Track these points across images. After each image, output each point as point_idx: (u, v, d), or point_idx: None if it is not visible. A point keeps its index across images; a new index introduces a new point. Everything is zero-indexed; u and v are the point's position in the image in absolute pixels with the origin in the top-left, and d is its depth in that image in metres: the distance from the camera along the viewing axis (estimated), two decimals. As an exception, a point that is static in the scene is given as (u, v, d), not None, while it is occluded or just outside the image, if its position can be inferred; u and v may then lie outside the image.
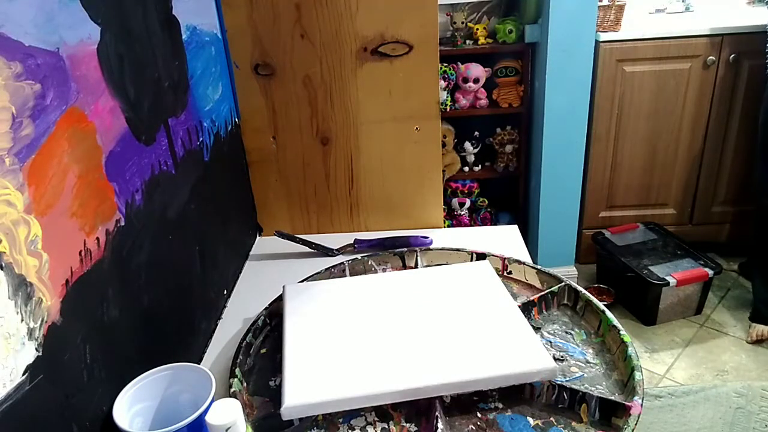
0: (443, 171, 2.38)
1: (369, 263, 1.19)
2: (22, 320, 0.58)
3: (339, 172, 1.33)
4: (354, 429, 0.81)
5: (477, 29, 2.41)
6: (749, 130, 2.38)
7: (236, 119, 1.27)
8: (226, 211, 1.20)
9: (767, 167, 2.08)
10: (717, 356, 2.13)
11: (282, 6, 1.17)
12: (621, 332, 0.89)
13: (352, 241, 1.29)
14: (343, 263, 1.17)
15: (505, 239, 1.29)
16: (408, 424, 0.81)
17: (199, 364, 0.90)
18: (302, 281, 1.12)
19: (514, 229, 1.33)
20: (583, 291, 1.00)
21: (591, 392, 0.80)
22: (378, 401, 0.81)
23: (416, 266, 1.18)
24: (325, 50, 1.21)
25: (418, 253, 1.20)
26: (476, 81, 2.42)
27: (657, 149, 2.44)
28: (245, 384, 0.90)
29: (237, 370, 0.90)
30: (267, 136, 1.30)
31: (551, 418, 0.80)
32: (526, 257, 1.17)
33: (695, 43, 2.26)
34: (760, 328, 2.17)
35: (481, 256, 1.15)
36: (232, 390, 0.86)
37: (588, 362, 0.90)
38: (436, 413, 0.79)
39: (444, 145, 2.51)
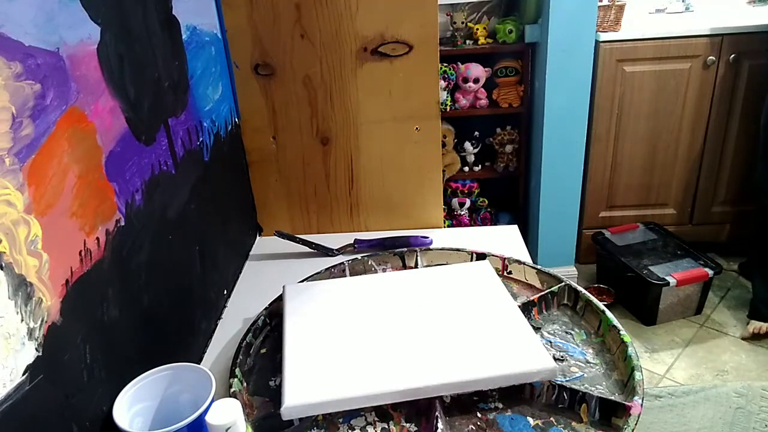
0: (443, 171, 2.38)
1: (369, 263, 1.19)
2: (22, 320, 0.58)
3: (339, 172, 1.33)
4: (354, 429, 0.81)
5: (477, 29, 2.41)
6: (749, 130, 2.38)
7: (236, 119, 1.27)
8: (226, 211, 1.20)
9: None
10: (717, 356, 2.13)
11: (282, 6, 1.17)
12: (621, 332, 0.89)
13: (352, 241, 1.29)
14: (343, 263, 1.17)
15: (505, 239, 1.29)
16: (408, 424, 0.82)
17: (199, 364, 0.90)
18: (302, 281, 1.12)
19: (514, 229, 1.33)
20: (583, 291, 1.00)
21: (591, 392, 0.80)
22: (378, 401, 0.81)
23: (416, 266, 1.18)
24: (325, 50, 1.21)
25: (418, 253, 1.20)
26: (476, 81, 2.42)
27: (657, 149, 2.44)
28: (245, 384, 0.90)
29: (237, 370, 0.90)
30: (267, 136, 1.30)
31: (551, 418, 0.80)
32: (526, 257, 1.17)
33: (695, 43, 2.26)
34: (758, 324, 2.17)
35: (481, 256, 1.15)
36: (232, 390, 0.86)
37: (588, 362, 0.90)
38: (436, 413, 0.79)
39: (444, 145, 2.51)
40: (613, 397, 0.80)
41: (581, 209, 2.47)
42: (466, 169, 2.64)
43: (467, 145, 2.59)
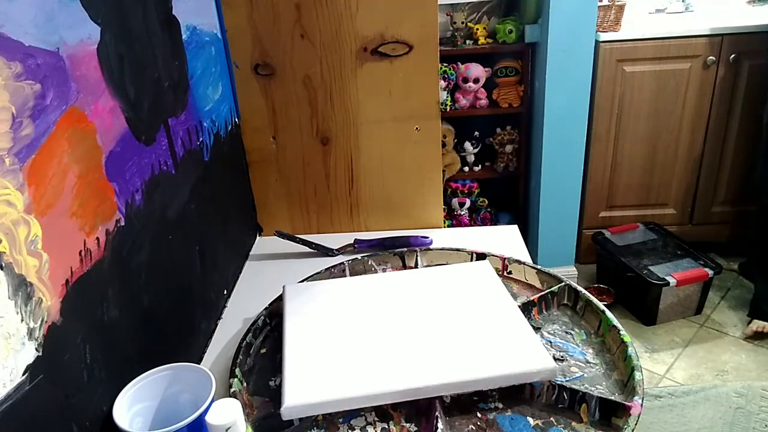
0: (443, 171, 2.38)
1: (369, 263, 1.19)
2: (22, 320, 0.58)
3: (339, 172, 1.33)
4: (354, 429, 0.81)
5: (477, 29, 2.41)
6: (749, 130, 2.38)
7: (236, 119, 1.27)
8: (226, 211, 1.20)
9: None
10: (717, 356, 2.13)
11: (282, 6, 1.17)
12: (621, 332, 0.89)
13: (352, 241, 1.29)
14: (343, 263, 1.17)
15: (505, 239, 1.29)
16: (408, 424, 0.82)
17: (199, 364, 0.90)
18: (302, 281, 1.12)
19: (514, 229, 1.33)
20: (583, 291, 1.00)
21: (591, 392, 0.80)
22: (378, 401, 0.81)
23: (416, 266, 1.18)
24: (325, 50, 1.21)
25: (418, 253, 1.20)
26: (476, 81, 2.42)
27: (657, 149, 2.44)
28: (245, 384, 0.90)
29: (237, 370, 0.90)
30: (267, 136, 1.30)
31: (551, 418, 0.80)
32: (526, 257, 1.17)
33: (695, 43, 2.26)
34: (761, 323, 2.16)
35: (481, 256, 1.15)
36: (232, 390, 0.86)
37: (588, 362, 0.90)
38: (436, 413, 0.79)
39: (444, 145, 2.51)
40: (613, 397, 0.80)
41: (581, 209, 2.47)
42: (466, 169, 2.64)
43: (467, 145, 2.59)
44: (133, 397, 0.77)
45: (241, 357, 0.93)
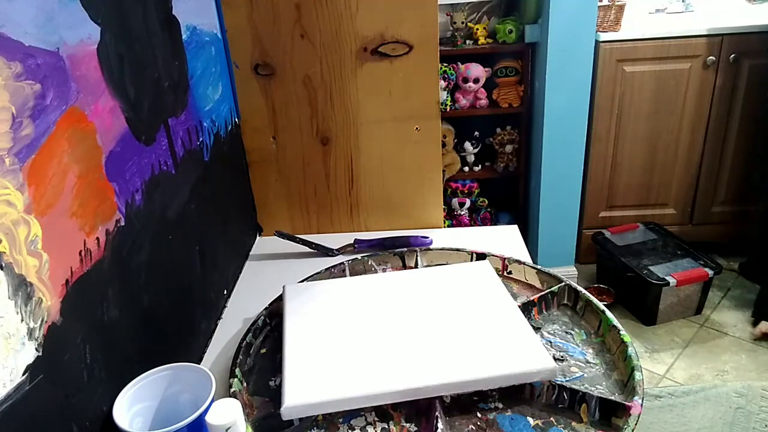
0: (443, 171, 2.38)
1: (369, 263, 1.19)
2: (22, 320, 0.58)
3: (339, 172, 1.33)
4: (354, 429, 0.81)
5: (477, 29, 2.41)
6: (749, 130, 2.38)
7: (236, 119, 1.27)
8: (226, 211, 1.20)
9: None
10: (717, 356, 2.13)
11: (282, 6, 1.17)
12: (621, 332, 0.89)
13: (352, 241, 1.29)
14: (343, 263, 1.17)
15: (505, 239, 1.29)
16: (408, 424, 0.82)
17: (199, 364, 0.90)
18: (302, 281, 1.12)
19: (514, 229, 1.33)
20: (583, 291, 1.00)
21: (591, 392, 0.80)
22: (378, 401, 0.81)
23: (416, 266, 1.18)
24: (325, 50, 1.21)
25: (418, 253, 1.20)
26: (476, 81, 2.42)
27: (657, 149, 2.44)
28: (245, 384, 0.90)
29: (237, 370, 0.90)
30: (267, 136, 1.30)
31: (551, 418, 0.80)
32: (526, 257, 1.17)
33: (695, 43, 2.26)
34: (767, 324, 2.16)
35: (481, 256, 1.15)
36: (232, 390, 0.86)
37: (588, 362, 0.90)
38: (436, 413, 0.79)
39: (444, 145, 2.51)
40: (613, 397, 0.80)
41: (581, 209, 2.47)
42: (466, 169, 2.64)
43: (467, 145, 2.59)
44: (133, 397, 0.77)
45: (241, 357, 0.93)
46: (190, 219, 0.99)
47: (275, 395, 0.87)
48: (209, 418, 0.70)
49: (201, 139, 1.06)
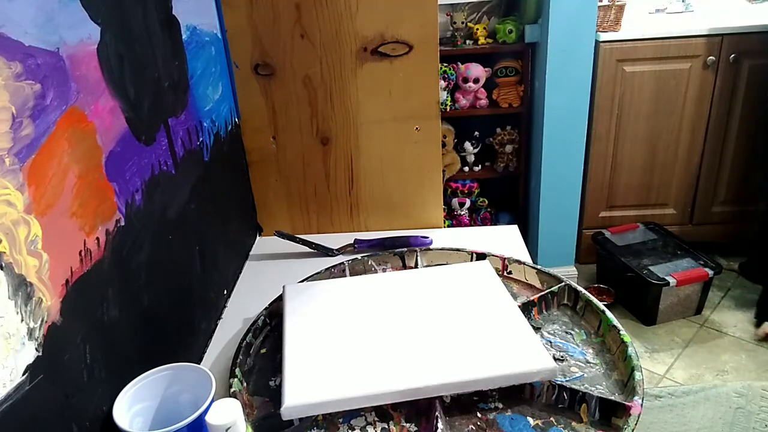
0: (443, 171, 2.38)
1: (369, 263, 1.19)
2: (22, 320, 0.58)
3: (339, 172, 1.33)
4: (354, 429, 0.81)
5: (477, 29, 2.41)
6: (749, 130, 2.38)
7: (236, 119, 1.27)
8: (226, 211, 1.20)
9: None
10: (717, 356, 2.13)
11: (282, 6, 1.17)
12: (621, 332, 0.89)
13: (352, 241, 1.29)
14: (343, 263, 1.17)
15: (505, 239, 1.29)
16: (408, 424, 0.81)
17: (199, 364, 0.90)
18: (302, 281, 1.12)
19: (514, 229, 1.33)
20: (583, 291, 1.00)
21: (591, 392, 0.80)
22: (378, 401, 0.81)
23: (416, 266, 1.18)
24: (325, 50, 1.21)
25: (418, 253, 1.20)
26: (476, 81, 2.42)
27: (657, 149, 2.44)
28: (245, 384, 0.90)
29: (237, 370, 0.90)
30: (267, 136, 1.30)
31: (551, 418, 0.80)
32: (526, 257, 1.17)
33: (695, 43, 2.26)
34: None
35: (481, 256, 1.15)
36: (232, 390, 0.86)
37: (588, 362, 0.90)
38: (436, 413, 0.79)
39: (444, 145, 2.51)
40: (613, 397, 0.80)
41: (581, 209, 2.47)
42: (466, 169, 2.64)
43: (467, 145, 2.59)
44: (133, 397, 0.77)
45: (241, 357, 0.93)
46: (190, 219, 0.99)
47: (275, 395, 0.87)
48: (209, 418, 0.70)
49: (201, 139, 1.06)
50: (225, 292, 1.16)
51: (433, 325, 0.93)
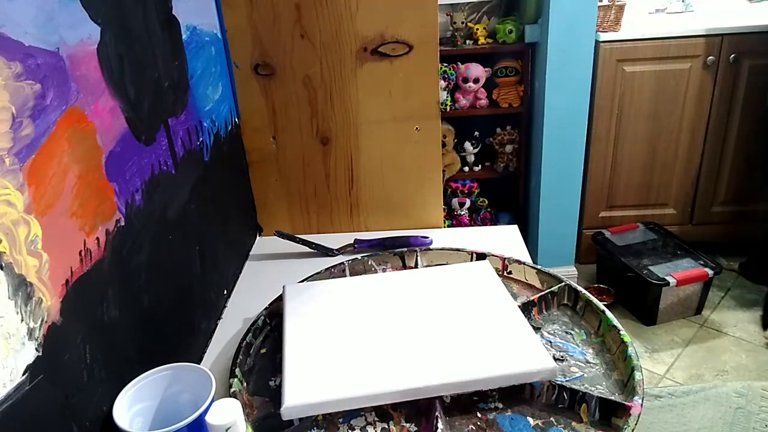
0: (443, 171, 2.38)
1: (369, 263, 1.19)
2: (22, 320, 0.58)
3: (339, 172, 1.33)
4: (354, 429, 0.81)
5: (477, 29, 2.41)
6: (749, 130, 2.38)
7: (236, 119, 1.27)
8: (226, 211, 1.20)
9: None
10: (717, 356, 2.13)
11: (282, 6, 1.17)
12: (621, 332, 0.89)
13: (352, 241, 1.29)
14: (343, 263, 1.17)
15: (505, 239, 1.29)
16: (408, 424, 0.81)
17: (199, 364, 0.90)
18: (302, 281, 1.12)
19: (514, 229, 1.33)
20: (583, 291, 1.00)
21: (591, 392, 0.80)
22: (378, 401, 0.81)
23: (416, 266, 1.18)
24: (325, 50, 1.21)
25: (418, 253, 1.20)
26: (476, 81, 2.42)
27: (657, 149, 2.44)
28: (245, 384, 0.90)
29: (237, 370, 0.90)
30: (267, 136, 1.30)
31: (551, 418, 0.80)
32: (526, 257, 1.17)
33: (695, 43, 2.26)
34: None
35: (481, 256, 1.15)
36: (232, 390, 0.86)
37: (588, 362, 0.90)
38: (436, 413, 0.79)
39: (444, 145, 2.51)
40: (613, 397, 0.80)
41: (581, 209, 2.47)
42: (466, 169, 2.64)
43: (467, 145, 2.59)
44: (133, 397, 0.77)
45: (241, 357, 0.93)
46: (190, 219, 0.99)
47: (275, 395, 0.87)
48: (209, 418, 0.70)
49: (201, 139, 1.06)
50: (225, 292, 1.16)
51: (433, 325, 0.93)
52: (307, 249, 1.29)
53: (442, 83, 2.41)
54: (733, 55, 2.27)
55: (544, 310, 1.01)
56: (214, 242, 1.11)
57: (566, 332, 0.97)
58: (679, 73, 2.30)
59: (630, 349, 0.86)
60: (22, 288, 0.58)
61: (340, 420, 0.82)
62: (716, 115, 2.38)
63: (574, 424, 0.79)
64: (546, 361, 0.82)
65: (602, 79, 2.30)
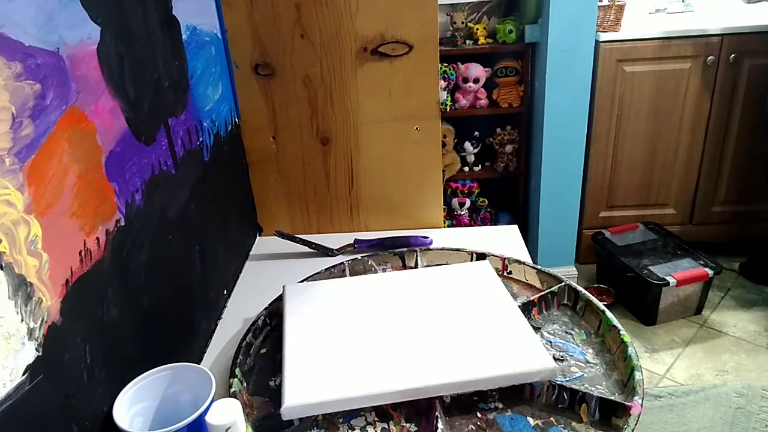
0: (443, 171, 2.38)
1: (369, 263, 1.19)
2: (22, 320, 0.58)
3: (339, 172, 1.33)
4: (354, 429, 0.81)
5: (477, 29, 2.41)
6: (749, 130, 2.38)
7: (236, 119, 1.27)
8: (226, 211, 1.20)
9: None
10: (717, 356, 2.13)
11: (282, 6, 1.17)
12: (621, 332, 0.89)
13: (352, 241, 1.29)
14: (343, 263, 1.17)
15: (505, 239, 1.29)
16: (408, 424, 0.81)
17: (199, 364, 0.90)
18: (302, 281, 1.12)
19: (514, 229, 1.33)
20: (583, 291, 1.00)
21: (591, 392, 0.80)
22: (378, 401, 0.81)
23: (416, 266, 1.18)
24: (325, 50, 1.21)
25: (418, 253, 1.20)
26: (476, 81, 2.42)
27: (657, 149, 2.44)
28: (245, 384, 0.90)
29: (237, 370, 0.90)
30: (267, 136, 1.30)
31: (551, 418, 0.80)
32: (526, 257, 1.17)
33: (695, 43, 2.26)
34: None
35: (481, 256, 1.15)
36: (232, 390, 0.86)
37: (588, 362, 0.90)
38: (436, 413, 0.79)
39: (444, 145, 2.51)
40: (613, 397, 0.80)
41: (581, 209, 2.47)
42: (466, 169, 2.64)
43: (467, 145, 2.59)
44: (133, 397, 0.77)
45: (241, 357, 0.93)
46: (190, 219, 0.99)
47: (275, 395, 0.87)
48: (209, 418, 0.70)
49: (201, 139, 1.06)
50: (225, 292, 1.16)
51: (433, 325, 0.93)
52: (307, 249, 1.29)
53: (442, 83, 2.41)
54: (733, 55, 2.27)
55: (544, 310, 1.01)
56: (214, 242, 1.11)
57: (566, 332, 0.97)
58: (679, 73, 2.30)
59: (630, 349, 0.86)
60: (22, 288, 0.58)
61: (340, 420, 0.82)
62: (716, 115, 2.38)
63: (574, 424, 0.79)
64: (546, 361, 0.82)
65: (602, 79, 2.30)
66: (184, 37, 0.99)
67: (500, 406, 0.83)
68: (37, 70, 0.62)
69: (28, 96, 0.60)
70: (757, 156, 2.39)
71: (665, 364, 2.11)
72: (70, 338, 0.65)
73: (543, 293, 1.02)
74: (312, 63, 1.22)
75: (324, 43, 1.20)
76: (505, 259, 1.13)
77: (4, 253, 0.56)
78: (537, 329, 0.97)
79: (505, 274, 1.13)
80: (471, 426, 0.80)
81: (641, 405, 0.77)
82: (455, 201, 2.63)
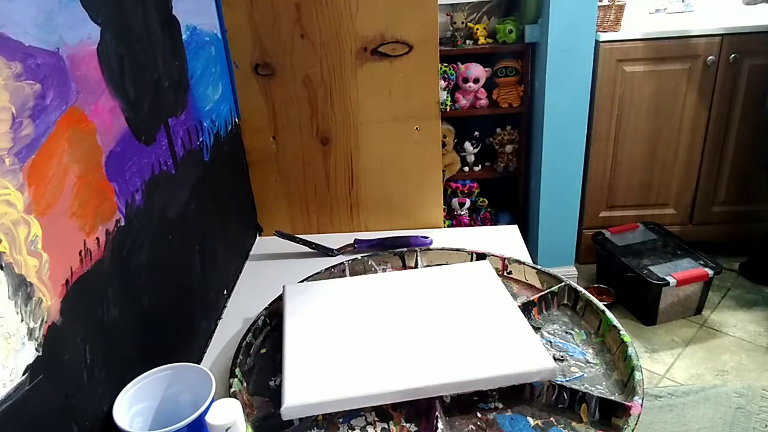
0: (443, 171, 2.38)
1: (369, 263, 1.19)
2: (22, 320, 0.58)
3: (339, 172, 1.33)
4: (354, 429, 0.81)
5: (477, 29, 2.41)
6: (749, 130, 2.38)
7: (236, 119, 1.27)
8: (226, 211, 1.20)
9: None
10: (717, 356, 2.13)
11: (282, 6, 1.17)
12: (621, 332, 0.89)
13: (352, 241, 1.29)
14: (343, 263, 1.17)
15: (505, 239, 1.29)
16: (408, 424, 0.81)
17: (199, 364, 0.90)
18: (302, 281, 1.12)
19: (514, 229, 1.33)
20: (583, 291, 1.00)
21: (591, 392, 0.80)
22: (378, 401, 0.81)
23: (416, 266, 1.18)
24: (325, 50, 1.21)
25: (418, 253, 1.20)
26: (476, 81, 2.42)
27: (657, 149, 2.44)
28: (245, 384, 0.90)
29: (237, 370, 0.90)
30: (267, 136, 1.30)
31: (551, 418, 0.80)
32: (526, 257, 1.17)
33: (695, 43, 2.26)
34: None
35: (481, 256, 1.15)
36: (232, 390, 0.86)
37: (588, 362, 0.90)
38: (436, 413, 0.79)
39: (444, 145, 2.51)
40: (613, 397, 0.80)
41: (581, 209, 2.47)
42: (466, 169, 2.64)
43: (467, 145, 2.59)
44: (133, 397, 0.77)
45: (241, 357, 0.93)
46: (190, 219, 0.99)
47: (275, 395, 0.87)
48: (209, 418, 0.70)
49: (201, 139, 1.06)
50: (225, 292, 1.16)
51: (433, 325, 0.93)
52: (307, 249, 1.29)
53: (442, 83, 2.41)
54: (733, 55, 2.27)
55: (544, 310, 1.01)
56: (214, 242, 1.11)
57: (566, 332, 0.97)
58: (679, 73, 2.30)
59: (630, 349, 0.86)
60: (22, 288, 0.58)
61: (340, 420, 0.82)
62: (716, 115, 2.38)
63: (574, 424, 0.79)
64: (546, 361, 0.82)
65: (602, 79, 2.30)
66: (184, 37, 0.99)
67: (500, 406, 0.83)
68: (37, 70, 0.62)
69: (28, 96, 0.60)
70: (757, 156, 2.39)
71: (665, 364, 2.11)
72: (70, 338, 0.65)
73: (543, 293, 1.02)
74: (312, 63, 1.22)
75: (324, 43, 1.20)
76: (505, 259, 1.13)
77: (4, 253, 0.56)
78: (537, 329, 0.97)
79: (505, 274, 1.13)
80: (471, 426, 0.80)
81: (641, 405, 0.77)
82: (455, 201, 2.64)
